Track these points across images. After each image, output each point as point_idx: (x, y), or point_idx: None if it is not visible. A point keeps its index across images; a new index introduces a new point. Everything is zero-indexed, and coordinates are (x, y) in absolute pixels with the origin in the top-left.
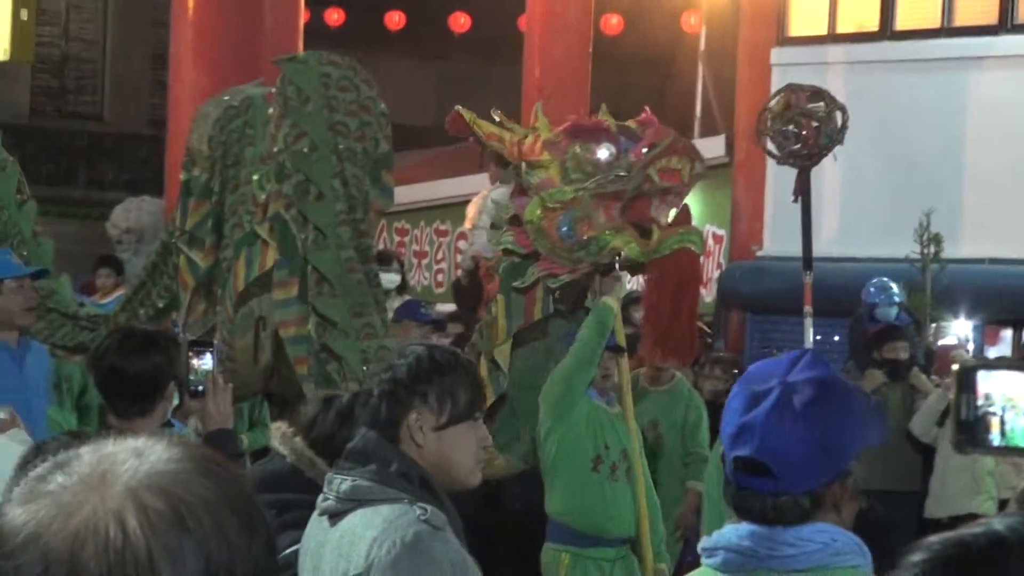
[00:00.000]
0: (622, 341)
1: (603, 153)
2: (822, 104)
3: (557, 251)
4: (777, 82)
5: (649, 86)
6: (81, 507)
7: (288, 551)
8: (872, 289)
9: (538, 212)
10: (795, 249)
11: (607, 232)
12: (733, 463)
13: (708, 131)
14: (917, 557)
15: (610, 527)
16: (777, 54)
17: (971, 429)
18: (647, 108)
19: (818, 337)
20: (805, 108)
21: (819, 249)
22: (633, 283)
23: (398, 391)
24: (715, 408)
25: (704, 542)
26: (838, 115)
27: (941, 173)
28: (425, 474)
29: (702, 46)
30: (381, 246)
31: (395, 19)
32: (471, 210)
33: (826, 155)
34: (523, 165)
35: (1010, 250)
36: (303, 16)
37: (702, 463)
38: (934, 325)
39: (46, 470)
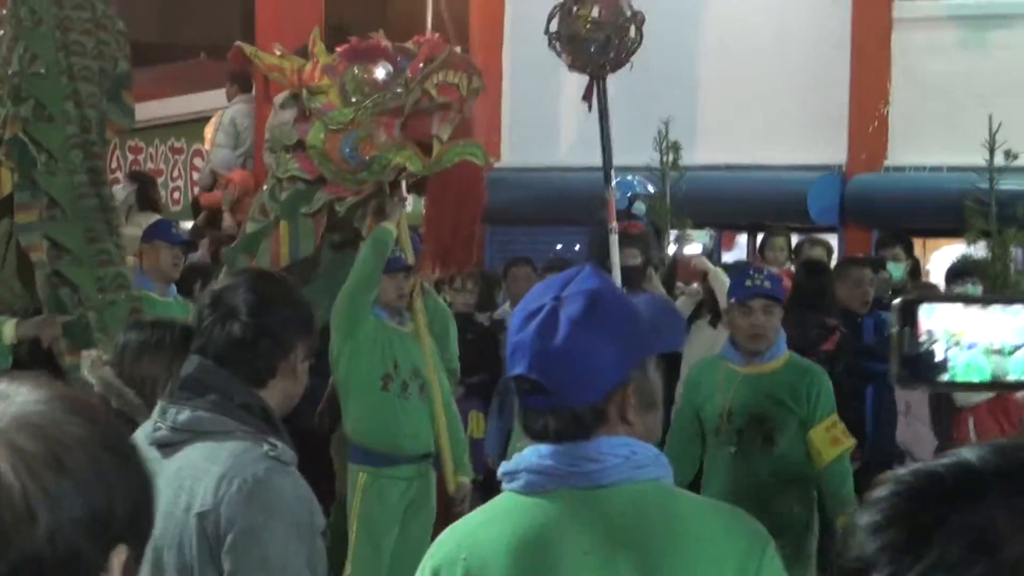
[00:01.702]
0: (412, 260)
1: (380, 72)
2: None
3: (342, 174)
4: None
5: None
6: None
7: None
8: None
9: (321, 136)
10: (532, 161)
11: (388, 151)
12: (513, 383)
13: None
14: (885, 491)
15: (405, 445)
16: None
17: (913, 364)
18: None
19: (559, 246)
20: (616, 19)
21: (561, 159)
22: None
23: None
24: (466, 320)
25: (504, 466)
26: (632, 26)
27: (677, 80)
28: (267, 406)
29: None
30: (114, 165)
31: None
32: (208, 130)
33: (620, 67)
34: (304, 91)
35: (745, 156)
36: None
37: (454, 377)
38: (675, 232)
39: None
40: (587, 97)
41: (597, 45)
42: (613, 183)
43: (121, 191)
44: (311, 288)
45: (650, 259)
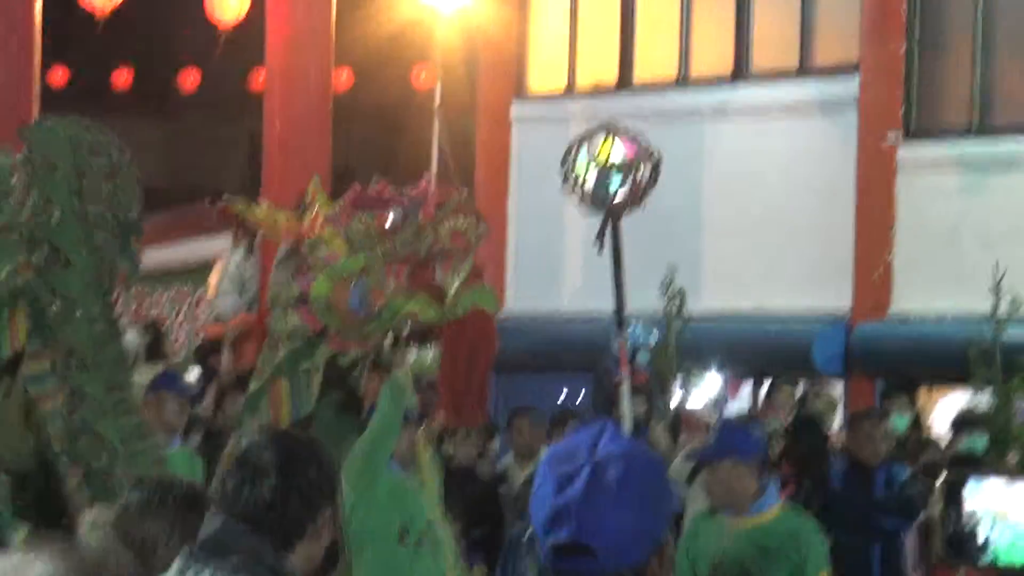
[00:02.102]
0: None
1: (391, 218)
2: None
3: (348, 326)
4: (517, 137)
5: (381, 143)
6: None
7: None
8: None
9: (327, 287)
10: (537, 307)
11: (399, 299)
12: (551, 548)
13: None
14: None
15: None
16: (516, 109)
17: (957, 544)
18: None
19: (564, 394)
20: (635, 158)
21: (564, 306)
22: None
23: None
24: (467, 473)
25: None
26: (648, 165)
27: (683, 226)
28: (289, 572)
29: (437, 100)
30: (118, 310)
31: (123, 77)
32: (213, 277)
33: (636, 207)
34: (306, 243)
35: (750, 302)
36: (37, 80)
37: None
38: (680, 378)
39: None
40: (600, 238)
41: (615, 185)
42: (626, 329)
43: (131, 339)
44: None
45: (654, 409)
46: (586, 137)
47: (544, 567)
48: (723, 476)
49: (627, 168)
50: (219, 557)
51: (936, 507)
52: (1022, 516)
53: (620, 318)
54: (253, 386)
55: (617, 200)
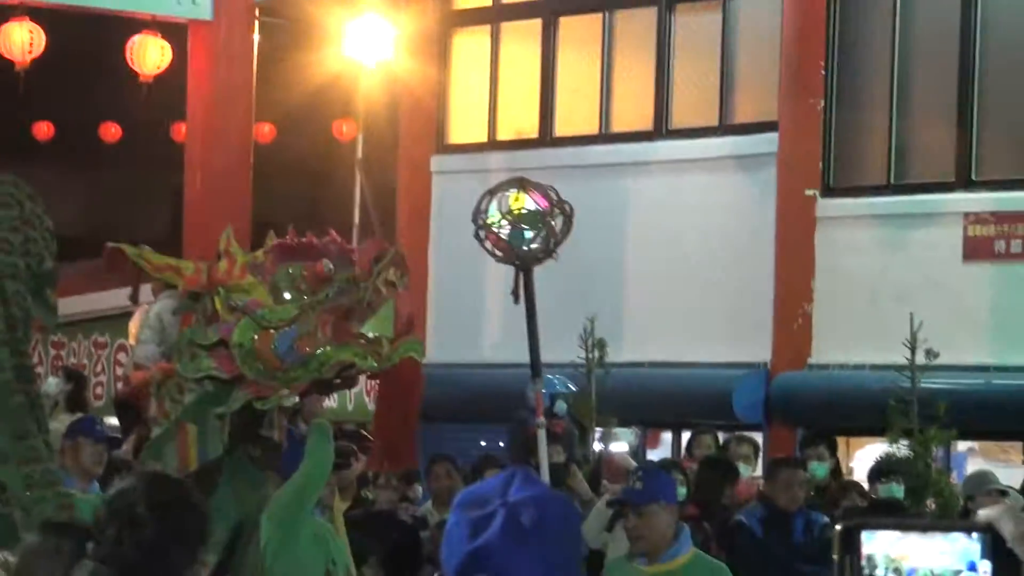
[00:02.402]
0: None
1: (326, 268)
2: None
3: (269, 372)
4: (437, 189)
5: (304, 195)
6: None
7: None
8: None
9: (250, 334)
10: (457, 357)
11: (329, 347)
12: None
13: (366, 238)
14: None
15: None
16: (437, 161)
17: None
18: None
19: (483, 443)
20: (546, 209)
21: (484, 355)
22: None
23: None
24: (389, 518)
25: None
26: (561, 217)
27: (604, 277)
28: None
29: (359, 153)
30: (36, 360)
31: (44, 129)
32: (133, 325)
33: (549, 257)
34: (220, 290)
35: (669, 353)
36: None
37: None
38: (600, 430)
39: None
40: (515, 290)
41: (527, 236)
42: (540, 378)
43: (52, 386)
44: (216, 497)
45: (573, 457)
46: (497, 190)
47: None
48: (650, 520)
49: (539, 220)
50: None
51: (835, 555)
52: (917, 562)
53: (535, 367)
54: (156, 431)
55: (529, 251)
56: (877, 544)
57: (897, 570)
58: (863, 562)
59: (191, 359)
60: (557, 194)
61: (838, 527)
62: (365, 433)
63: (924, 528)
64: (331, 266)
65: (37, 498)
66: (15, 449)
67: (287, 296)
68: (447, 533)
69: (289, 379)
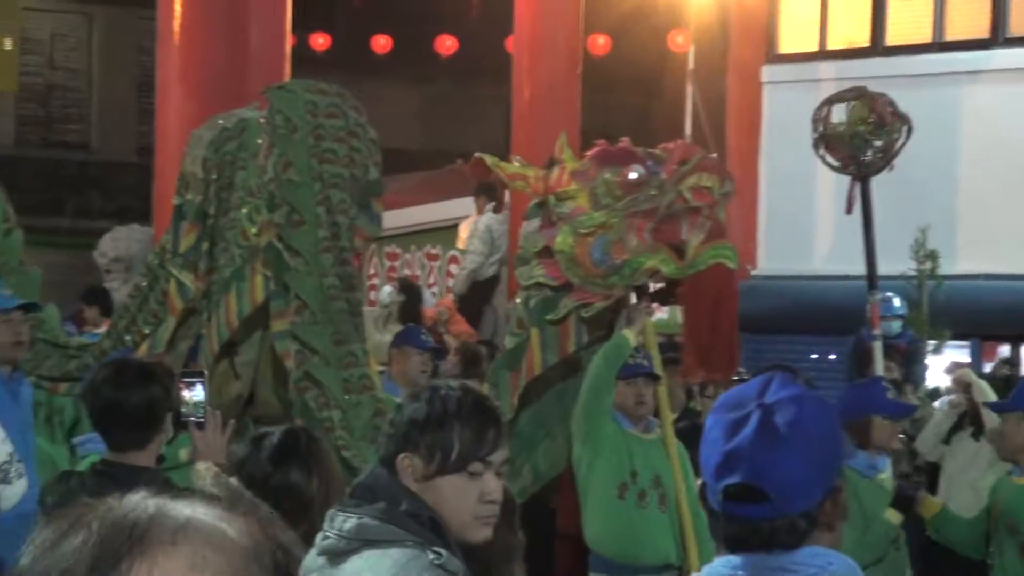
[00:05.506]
0: (659, 368)
1: (633, 174)
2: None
3: (590, 279)
4: (768, 99)
5: (637, 106)
6: None
7: None
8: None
9: (570, 241)
10: (788, 268)
11: (640, 254)
12: (723, 493)
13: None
14: None
15: (643, 555)
16: (767, 72)
17: None
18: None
19: (814, 356)
20: (887, 119)
21: (816, 267)
22: None
23: (395, 431)
24: None
25: None
26: (900, 128)
27: (936, 188)
28: (436, 516)
29: (691, 65)
30: (372, 270)
31: (381, 43)
32: (463, 231)
33: (886, 167)
34: (551, 198)
35: (1006, 265)
36: (289, 41)
37: None
38: (932, 343)
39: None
40: (850, 200)
41: (865, 146)
42: (876, 290)
43: (386, 296)
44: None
45: (909, 376)
46: (836, 99)
47: (715, 513)
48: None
49: (878, 131)
50: (367, 503)
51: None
52: None
53: (871, 279)
54: (511, 341)
55: (867, 161)
56: None
57: None
58: None
59: (528, 266)
60: (897, 105)
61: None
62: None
63: None
64: (641, 171)
65: (353, 402)
66: (335, 353)
67: (604, 202)
68: (705, 434)
69: (607, 285)
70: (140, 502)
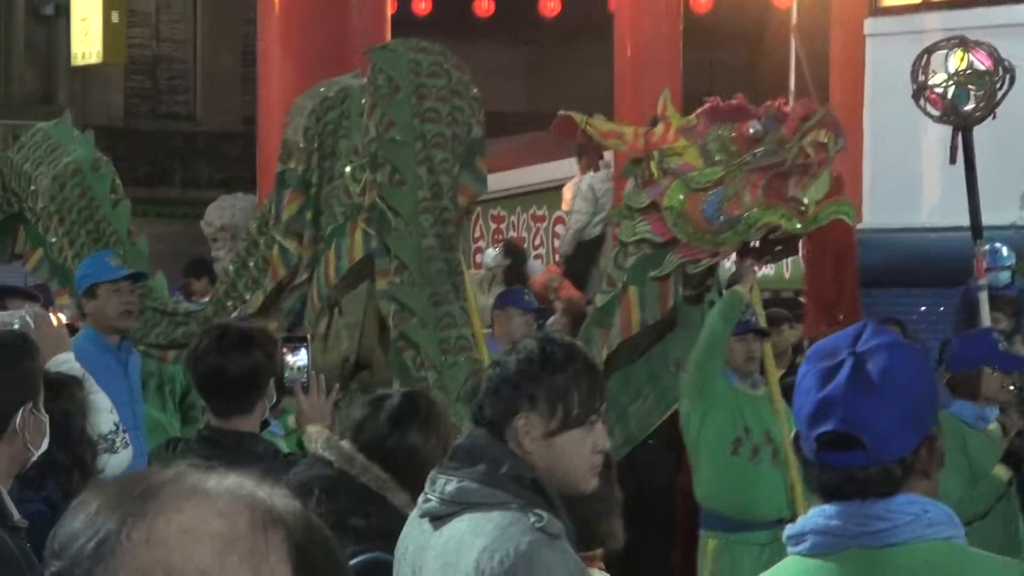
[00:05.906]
0: (764, 324)
1: (751, 130)
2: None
3: (699, 235)
4: (872, 54)
5: (740, 62)
6: None
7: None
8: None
9: (680, 197)
10: (894, 221)
11: (756, 209)
12: (816, 441)
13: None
14: None
15: (757, 510)
16: (871, 24)
17: None
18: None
19: (923, 308)
20: (990, 70)
21: (923, 219)
22: None
23: (504, 390)
24: None
25: (789, 529)
26: (1003, 76)
27: None
28: (538, 477)
29: (794, 20)
30: (477, 233)
31: (484, 6)
32: (567, 193)
33: (988, 116)
34: (655, 154)
35: None
36: (391, 7)
37: None
38: None
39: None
40: (953, 150)
41: (966, 95)
42: (981, 240)
43: (490, 258)
44: (663, 345)
45: (1019, 327)
46: (935, 49)
47: (808, 462)
48: None
49: (981, 79)
50: (468, 466)
51: None
52: None
53: (976, 229)
54: (601, 299)
55: (969, 111)
56: None
57: None
58: None
59: (629, 222)
60: (999, 53)
61: None
62: (801, 300)
63: None
64: (759, 127)
65: (450, 363)
66: (433, 314)
67: (717, 158)
68: (798, 382)
69: (718, 242)
70: (163, 470)
